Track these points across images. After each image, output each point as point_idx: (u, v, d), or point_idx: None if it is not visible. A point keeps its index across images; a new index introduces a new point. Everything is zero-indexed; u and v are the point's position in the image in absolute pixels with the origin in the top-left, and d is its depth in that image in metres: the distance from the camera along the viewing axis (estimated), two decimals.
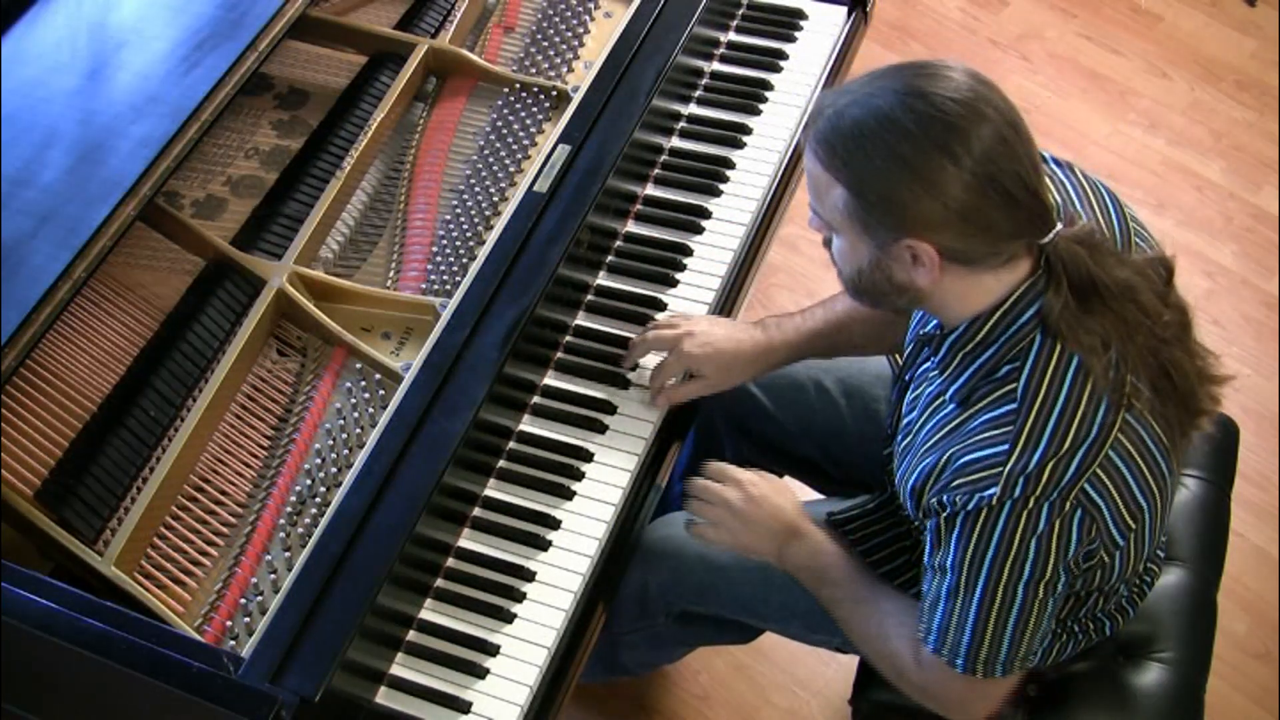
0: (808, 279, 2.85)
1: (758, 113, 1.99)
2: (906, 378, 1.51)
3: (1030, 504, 1.27)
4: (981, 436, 1.31)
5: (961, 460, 1.31)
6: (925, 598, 1.40)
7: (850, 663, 1.94)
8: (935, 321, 1.40)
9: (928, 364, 1.44)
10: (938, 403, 1.40)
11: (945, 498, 1.32)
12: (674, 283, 1.80)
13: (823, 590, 1.54)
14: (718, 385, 1.69)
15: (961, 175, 1.21)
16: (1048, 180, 1.31)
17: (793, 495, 1.60)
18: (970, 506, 1.29)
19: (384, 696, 1.43)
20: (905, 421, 1.47)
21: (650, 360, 1.71)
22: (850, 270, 1.35)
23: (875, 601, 1.50)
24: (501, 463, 1.62)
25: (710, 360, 1.66)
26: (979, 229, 1.24)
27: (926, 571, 1.40)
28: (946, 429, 1.36)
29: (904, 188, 1.23)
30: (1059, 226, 1.28)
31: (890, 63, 1.29)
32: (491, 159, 1.82)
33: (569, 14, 2.01)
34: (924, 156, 1.21)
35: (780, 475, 2.08)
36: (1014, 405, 1.29)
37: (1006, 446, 1.28)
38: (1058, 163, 1.41)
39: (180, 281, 1.65)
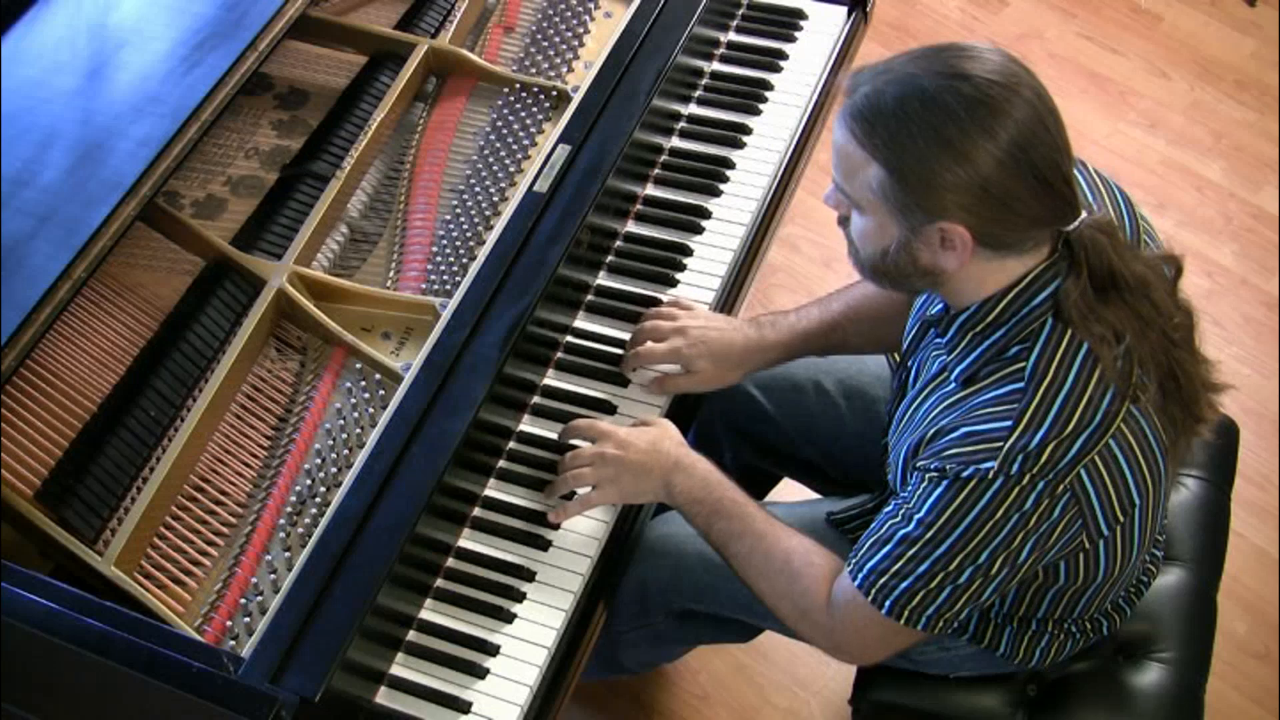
0: (808, 279, 2.85)
1: (758, 113, 1.99)
2: (910, 363, 1.51)
3: (1024, 481, 1.27)
4: (984, 412, 1.30)
5: (960, 430, 1.31)
6: (873, 532, 1.38)
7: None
8: (941, 305, 1.39)
9: (931, 345, 1.44)
10: (939, 380, 1.39)
11: (936, 463, 1.31)
12: (674, 283, 1.80)
13: (716, 523, 1.51)
14: (709, 382, 1.68)
15: (998, 155, 1.21)
16: None
17: (670, 428, 1.57)
18: (964, 474, 1.29)
19: (384, 696, 1.43)
20: (904, 402, 1.47)
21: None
22: (872, 251, 1.34)
23: (777, 537, 1.48)
24: (502, 463, 1.62)
25: (701, 357, 1.66)
26: (1011, 212, 1.24)
27: (888, 506, 1.38)
28: (947, 404, 1.35)
29: (945, 170, 1.22)
30: (1084, 215, 1.28)
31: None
32: (491, 159, 1.82)
33: (569, 14, 2.01)
34: (967, 138, 1.21)
35: (780, 477, 2.09)
36: (1020, 385, 1.29)
37: (1009, 423, 1.27)
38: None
39: (180, 282, 1.65)
